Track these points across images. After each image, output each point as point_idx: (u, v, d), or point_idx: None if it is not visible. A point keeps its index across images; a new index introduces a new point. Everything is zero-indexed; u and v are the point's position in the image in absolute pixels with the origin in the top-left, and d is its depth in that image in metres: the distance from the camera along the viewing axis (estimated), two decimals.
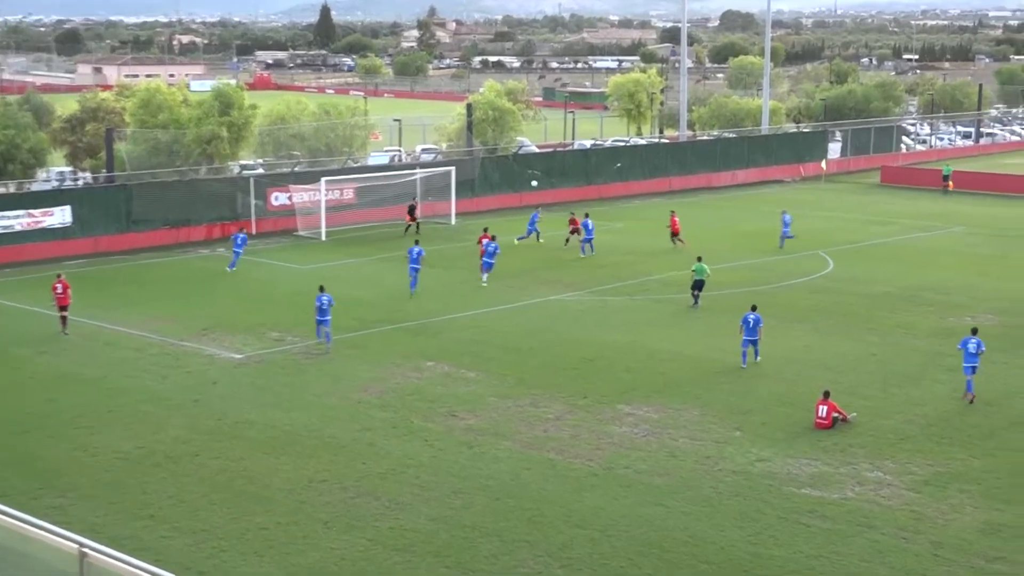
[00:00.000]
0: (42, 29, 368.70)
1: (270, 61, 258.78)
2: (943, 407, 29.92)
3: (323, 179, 55.30)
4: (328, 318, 34.79)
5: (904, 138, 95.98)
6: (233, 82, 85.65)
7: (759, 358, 33.34)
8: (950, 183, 74.43)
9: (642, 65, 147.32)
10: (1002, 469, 25.60)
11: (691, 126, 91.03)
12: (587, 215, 51.52)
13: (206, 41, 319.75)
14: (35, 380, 31.96)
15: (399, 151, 78.88)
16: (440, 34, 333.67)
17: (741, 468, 25.36)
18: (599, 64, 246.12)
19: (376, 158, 73.17)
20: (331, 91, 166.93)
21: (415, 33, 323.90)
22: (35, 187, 58.46)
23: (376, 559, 20.81)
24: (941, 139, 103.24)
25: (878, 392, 31.06)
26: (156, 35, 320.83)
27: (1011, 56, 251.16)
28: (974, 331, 31.41)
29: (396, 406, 29.45)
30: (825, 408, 27.94)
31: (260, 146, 67.71)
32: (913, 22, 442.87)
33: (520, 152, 71.96)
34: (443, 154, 72.26)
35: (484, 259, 44.40)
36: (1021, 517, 23.00)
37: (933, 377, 32.41)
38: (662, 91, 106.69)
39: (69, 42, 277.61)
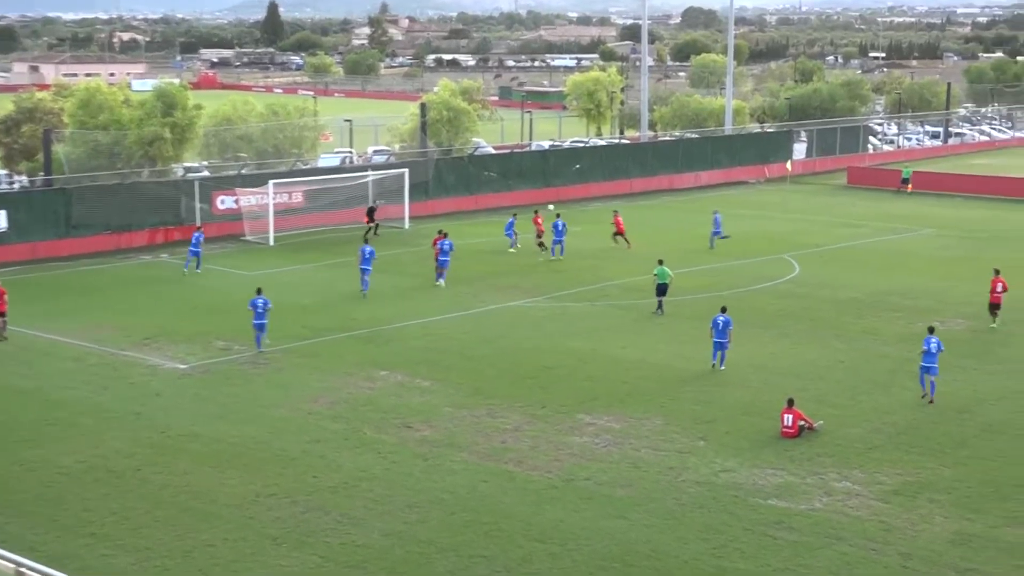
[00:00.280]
0: None
1: (215, 59, 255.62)
2: (912, 415, 29.68)
3: (271, 182, 54.53)
4: (264, 322, 34.39)
5: (871, 138, 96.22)
6: (177, 81, 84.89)
7: (724, 367, 32.99)
8: (909, 185, 74.47)
9: (601, 63, 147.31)
10: (973, 478, 25.40)
11: (652, 126, 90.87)
12: (558, 215, 51.33)
13: (148, 39, 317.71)
14: None
15: (350, 153, 77.94)
16: (392, 31, 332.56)
17: (705, 479, 25.10)
18: (557, 62, 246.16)
19: (326, 160, 72.32)
20: (279, 91, 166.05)
21: (366, 30, 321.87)
22: None
23: None
24: (909, 139, 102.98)
25: (846, 400, 30.78)
26: (96, 32, 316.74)
27: (980, 54, 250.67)
28: (931, 329, 31.30)
29: (348, 417, 29.02)
30: (791, 417, 27.58)
31: (205, 148, 67.06)
32: (880, 19, 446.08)
33: (476, 153, 71.59)
34: (396, 156, 71.89)
35: (439, 258, 43.98)
36: (992, 527, 22.80)
37: (902, 384, 32.11)
38: (622, 90, 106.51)
39: (4, 39, 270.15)
